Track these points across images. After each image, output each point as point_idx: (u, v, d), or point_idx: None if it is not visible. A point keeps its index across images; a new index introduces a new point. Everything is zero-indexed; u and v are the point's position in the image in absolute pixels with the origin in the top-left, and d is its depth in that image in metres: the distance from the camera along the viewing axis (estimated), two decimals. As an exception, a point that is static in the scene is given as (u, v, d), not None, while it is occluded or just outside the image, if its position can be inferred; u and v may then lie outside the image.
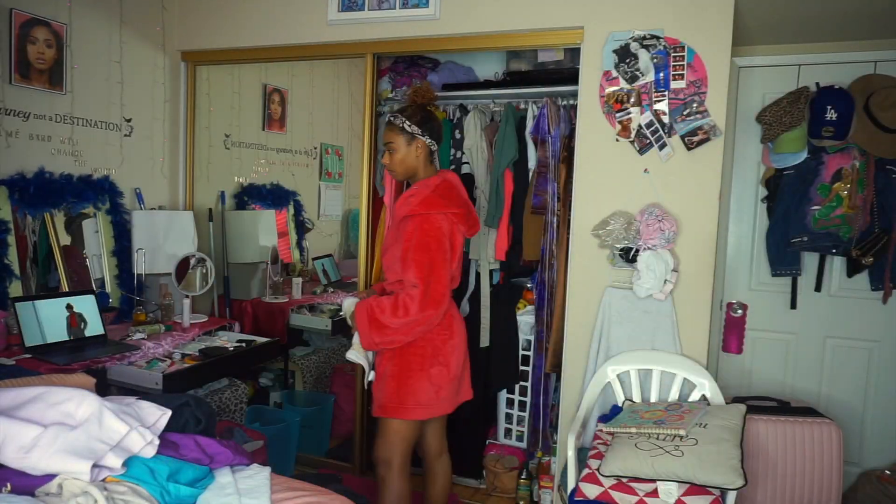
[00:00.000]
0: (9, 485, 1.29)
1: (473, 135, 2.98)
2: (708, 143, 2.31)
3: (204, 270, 3.07)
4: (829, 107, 2.54)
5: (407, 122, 2.15)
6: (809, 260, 2.81)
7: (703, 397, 2.29)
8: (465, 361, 2.28)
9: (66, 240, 2.73)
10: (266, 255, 3.61)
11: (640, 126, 2.38)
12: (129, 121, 3.00)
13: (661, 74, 2.35)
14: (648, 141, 2.38)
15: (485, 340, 2.96)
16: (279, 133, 3.79)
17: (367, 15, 2.77)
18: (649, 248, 2.30)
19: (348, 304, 2.21)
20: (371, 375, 2.22)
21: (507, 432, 3.11)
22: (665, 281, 2.30)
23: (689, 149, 2.34)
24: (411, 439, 2.21)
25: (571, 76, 2.66)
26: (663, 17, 2.35)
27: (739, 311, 2.91)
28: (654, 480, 1.92)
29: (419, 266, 2.03)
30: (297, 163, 3.87)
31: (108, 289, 2.87)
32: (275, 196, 3.75)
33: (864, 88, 2.59)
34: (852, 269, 2.71)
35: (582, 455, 2.23)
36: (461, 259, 2.23)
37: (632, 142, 2.40)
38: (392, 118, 2.18)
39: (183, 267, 3.05)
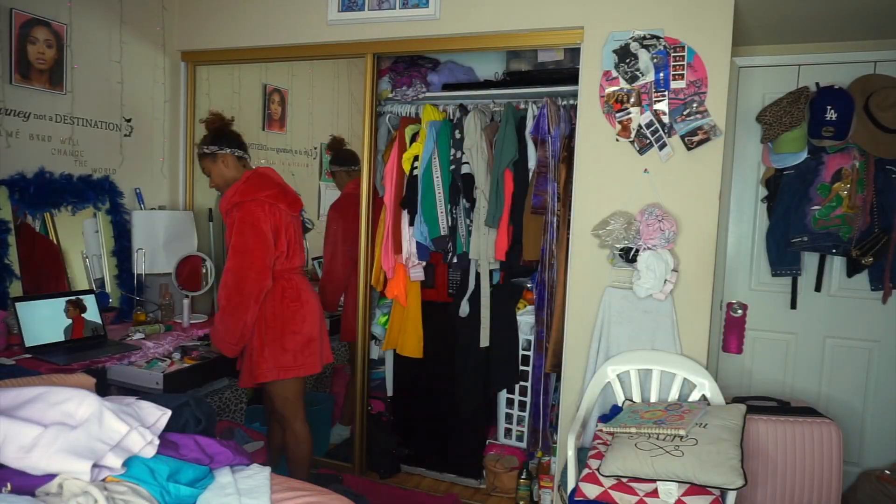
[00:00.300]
0: (9, 485, 1.29)
1: (473, 135, 2.98)
2: (708, 143, 2.31)
3: (204, 270, 3.07)
4: (828, 107, 2.54)
5: (204, 146, 2.52)
6: (809, 260, 2.82)
7: (703, 397, 2.29)
8: (321, 328, 2.57)
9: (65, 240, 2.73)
10: (266, 255, 3.60)
11: (640, 126, 2.38)
12: (129, 121, 3.00)
13: (661, 74, 2.35)
14: (648, 141, 2.38)
15: (485, 340, 2.96)
16: (279, 133, 3.78)
17: (367, 15, 2.77)
18: (649, 248, 2.31)
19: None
20: None
21: (507, 432, 3.11)
22: (665, 281, 2.30)
23: (689, 149, 2.34)
24: (292, 397, 2.54)
25: (571, 76, 2.66)
26: (663, 17, 2.35)
27: (739, 311, 2.91)
28: (654, 480, 1.92)
29: (234, 250, 2.33)
30: (297, 163, 3.87)
31: (108, 289, 2.87)
32: (275, 196, 3.74)
33: (864, 88, 2.59)
34: (852, 269, 2.72)
35: (582, 455, 2.23)
36: (299, 234, 2.57)
37: (632, 142, 2.40)
38: (197, 151, 2.59)
39: (186, 269, 3.05)
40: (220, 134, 2.53)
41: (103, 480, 1.35)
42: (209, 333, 2.58)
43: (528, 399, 3.01)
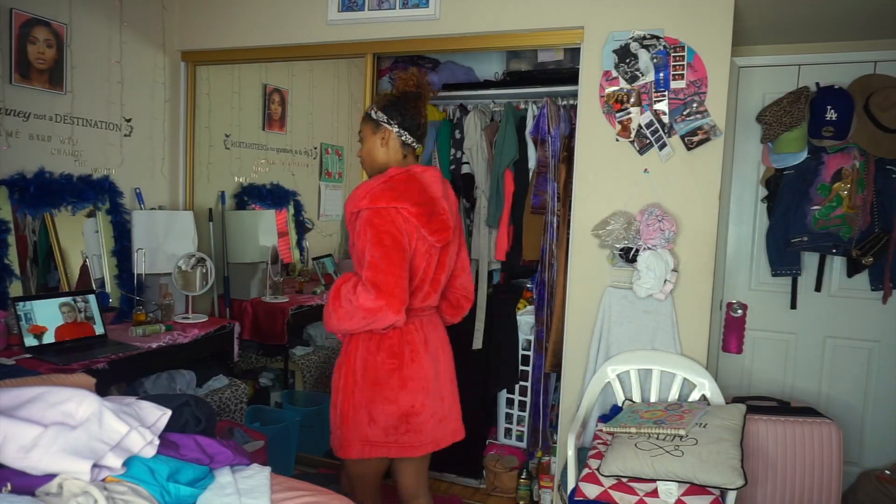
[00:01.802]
0: (9, 485, 1.29)
1: (473, 135, 2.98)
2: (708, 143, 2.31)
3: (204, 270, 3.07)
4: (829, 107, 2.54)
5: (372, 108, 1.92)
6: (809, 260, 2.81)
7: (703, 397, 2.29)
8: (436, 399, 1.95)
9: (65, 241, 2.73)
10: (266, 255, 3.61)
11: (640, 126, 2.38)
12: (129, 121, 3.00)
13: (661, 74, 2.35)
14: (648, 141, 2.38)
15: (477, 343, 2.95)
16: (279, 133, 3.78)
17: (367, 15, 2.77)
18: (649, 248, 2.31)
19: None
20: None
21: (507, 432, 3.11)
22: (665, 281, 2.30)
23: (689, 149, 2.34)
24: (376, 477, 2.01)
25: (571, 76, 2.66)
26: (663, 17, 2.35)
27: (739, 311, 2.91)
28: (654, 480, 1.92)
29: (372, 266, 1.74)
30: (297, 163, 3.87)
31: (108, 289, 2.87)
32: (275, 196, 3.75)
33: (864, 88, 2.59)
34: (852, 269, 2.71)
35: (582, 455, 2.23)
36: (436, 270, 1.91)
37: (632, 142, 2.40)
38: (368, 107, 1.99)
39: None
40: (399, 106, 1.90)
41: (103, 480, 1.35)
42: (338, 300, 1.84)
43: (528, 399, 3.01)
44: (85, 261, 2.80)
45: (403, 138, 1.90)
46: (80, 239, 2.80)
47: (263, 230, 3.67)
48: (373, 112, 1.92)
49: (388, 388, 1.86)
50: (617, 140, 2.42)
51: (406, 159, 1.93)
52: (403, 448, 1.90)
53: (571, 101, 2.77)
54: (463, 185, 2.90)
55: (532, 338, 2.98)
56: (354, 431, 1.88)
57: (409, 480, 2.08)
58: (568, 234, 2.64)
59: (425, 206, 1.81)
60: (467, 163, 3.01)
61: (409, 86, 1.94)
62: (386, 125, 1.89)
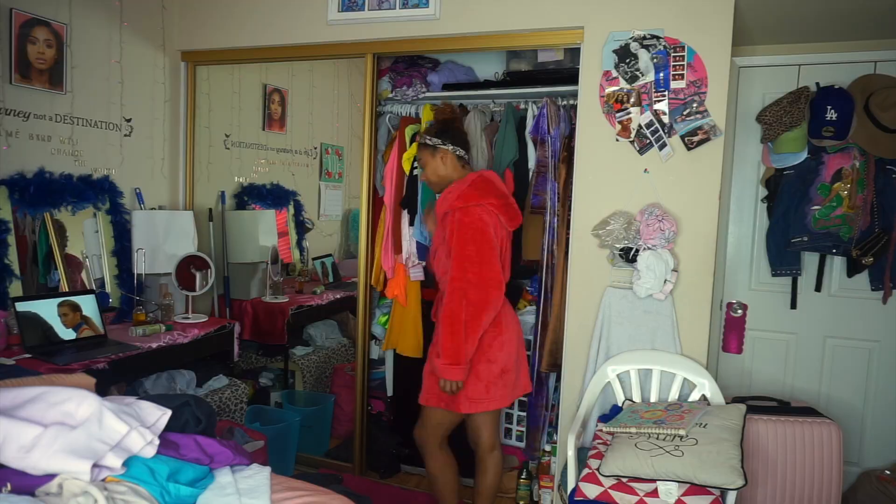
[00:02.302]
0: (9, 485, 1.29)
1: (473, 135, 2.98)
2: (708, 142, 2.31)
3: (204, 270, 3.07)
4: (829, 107, 2.54)
5: (427, 137, 2.36)
6: (809, 260, 2.81)
7: (703, 397, 2.29)
8: (517, 356, 2.38)
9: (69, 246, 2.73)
10: (266, 255, 3.61)
11: (640, 126, 2.38)
12: (129, 121, 3.00)
13: (661, 74, 2.35)
14: (648, 141, 2.38)
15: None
16: (279, 133, 3.78)
17: (367, 15, 2.77)
18: (649, 248, 2.30)
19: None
20: None
21: (507, 432, 3.11)
22: (665, 281, 2.30)
23: (689, 149, 2.34)
24: (448, 427, 2.41)
25: (571, 76, 2.66)
26: (663, 17, 2.35)
27: (739, 311, 2.91)
28: (654, 480, 1.92)
29: (469, 260, 2.17)
30: (297, 163, 3.87)
31: (108, 289, 2.87)
32: (275, 196, 3.75)
33: (864, 88, 2.59)
34: (852, 269, 2.71)
35: (582, 455, 2.23)
36: (510, 253, 2.39)
37: (632, 142, 2.40)
38: (419, 139, 2.41)
39: (183, 269, 3.05)
40: (446, 128, 2.37)
41: (103, 480, 1.35)
42: (434, 364, 2.25)
43: (527, 398, 3.01)
44: (85, 261, 2.80)
45: (458, 154, 2.36)
46: (80, 239, 2.79)
47: (263, 230, 3.67)
48: (428, 140, 2.36)
49: (490, 350, 2.26)
50: (617, 140, 2.42)
51: (465, 168, 2.39)
52: (496, 401, 2.31)
53: (571, 101, 2.77)
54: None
55: (532, 338, 2.98)
56: (464, 390, 2.24)
57: (489, 433, 2.43)
58: (568, 234, 2.63)
59: (501, 198, 2.29)
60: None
61: (447, 114, 2.46)
62: (442, 147, 2.34)
